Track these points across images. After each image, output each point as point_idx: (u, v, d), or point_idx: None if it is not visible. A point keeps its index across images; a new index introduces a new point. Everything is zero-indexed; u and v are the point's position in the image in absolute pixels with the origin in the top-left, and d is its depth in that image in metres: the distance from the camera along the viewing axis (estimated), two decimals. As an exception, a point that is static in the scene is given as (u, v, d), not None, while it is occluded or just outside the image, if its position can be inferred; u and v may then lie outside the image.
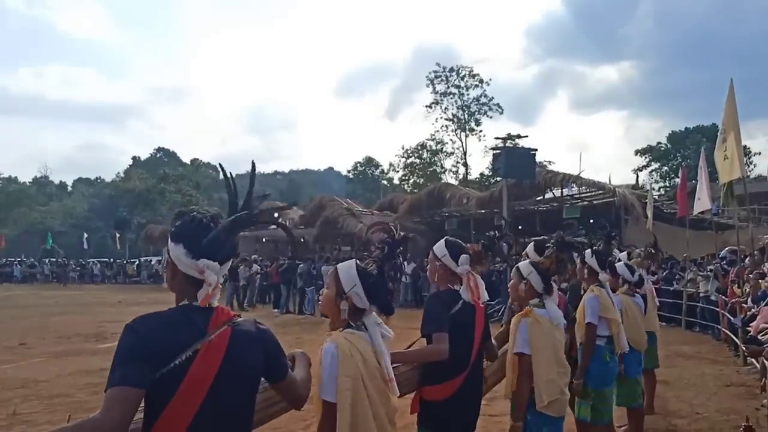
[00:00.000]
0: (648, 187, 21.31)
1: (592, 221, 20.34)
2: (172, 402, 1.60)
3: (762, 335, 7.29)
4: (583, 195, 23.21)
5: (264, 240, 34.06)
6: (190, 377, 1.62)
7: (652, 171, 51.64)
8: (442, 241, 3.29)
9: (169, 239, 1.77)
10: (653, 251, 7.04)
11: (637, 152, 53.68)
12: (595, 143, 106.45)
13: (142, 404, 1.61)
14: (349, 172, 70.55)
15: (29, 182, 75.47)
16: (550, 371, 3.37)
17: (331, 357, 2.24)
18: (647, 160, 52.35)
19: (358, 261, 2.51)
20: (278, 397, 2.08)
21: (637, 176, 44.13)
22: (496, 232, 3.54)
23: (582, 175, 22.46)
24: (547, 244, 3.73)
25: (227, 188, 1.84)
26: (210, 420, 1.65)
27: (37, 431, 5.90)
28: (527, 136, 22.93)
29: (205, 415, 1.64)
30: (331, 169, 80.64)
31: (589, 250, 4.67)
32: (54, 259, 42.58)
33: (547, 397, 3.32)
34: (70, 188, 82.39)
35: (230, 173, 1.85)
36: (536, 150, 21.04)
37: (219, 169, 1.84)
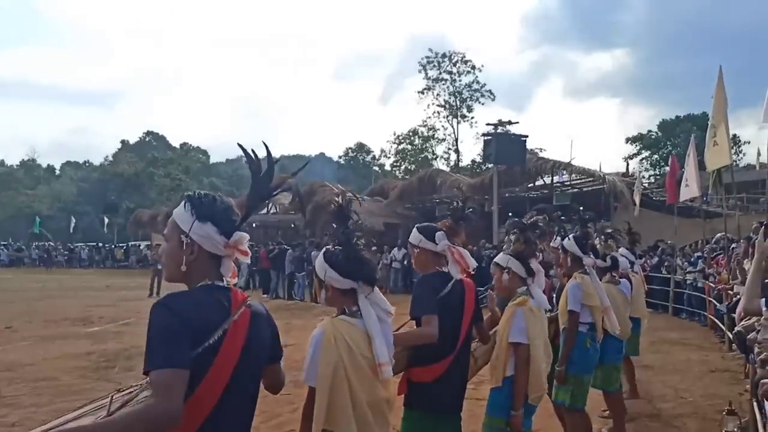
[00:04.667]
0: (637, 175, 21.36)
1: (582, 209, 20.41)
2: (205, 380, 1.63)
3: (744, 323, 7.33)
4: (573, 182, 23.32)
5: (254, 225, 33.95)
6: (221, 355, 1.66)
7: (643, 159, 51.84)
8: (414, 229, 3.31)
9: (191, 219, 1.78)
10: (614, 235, 6.83)
11: (627, 140, 53.84)
12: (587, 131, 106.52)
13: None
14: (340, 158, 70.43)
15: (17, 165, 74.68)
16: (541, 361, 3.41)
17: (315, 343, 2.28)
18: (638, 148, 52.52)
19: (327, 247, 2.49)
20: None
21: (628, 164, 44.30)
22: (460, 202, 3.52)
23: (573, 162, 22.56)
24: (512, 231, 3.74)
25: (250, 165, 1.89)
26: (233, 397, 1.70)
27: (22, 413, 5.87)
28: (518, 123, 22.99)
29: (229, 393, 1.69)
30: (322, 154, 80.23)
31: (569, 237, 4.67)
32: (41, 243, 42.26)
33: (541, 386, 3.39)
34: (58, 172, 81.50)
35: (252, 150, 1.90)
36: (527, 136, 21.13)
37: (238, 147, 1.90)
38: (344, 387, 2.24)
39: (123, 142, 73.18)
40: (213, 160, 77.10)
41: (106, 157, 70.89)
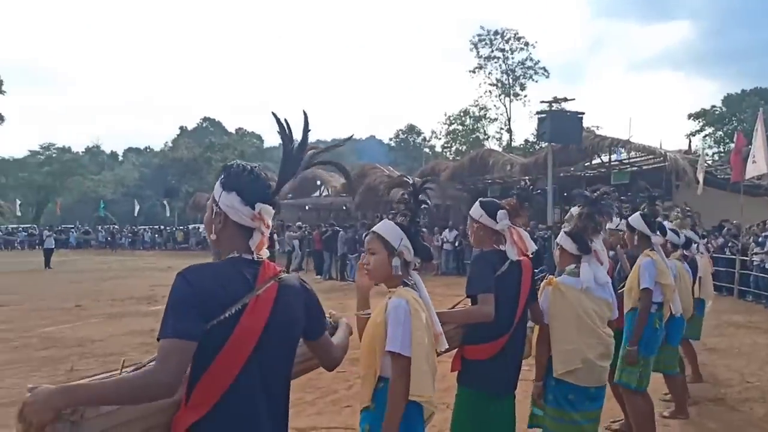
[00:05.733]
0: (700, 152, 20.48)
1: (647, 186, 19.78)
2: (221, 354, 1.62)
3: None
4: (632, 160, 22.56)
5: (307, 208, 34.41)
6: (238, 330, 1.63)
7: (706, 136, 49.66)
8: (477, 203, 3.26)
9: (220, 189, 1.78)
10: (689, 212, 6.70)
11: (690, 116, 51.61)
12: (646, 107, 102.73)
13: None
14: (390, 140, 70.37)
15: (82, 152, 77.75)
16: (568, 341, 3.26)
17: (404, 312, 2.30)
18: (701, 124, 50.34)
19: (388, 218, 2.55)
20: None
21: (690, 141, 42.50)
22: (528, 182, 3.46)
23: (631, 139, 21.79)
24: (576, 204, 3.63)
25: (281, 134, 1.86)
26: (255, 373, 1.68)
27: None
28: (574, 99, 22.30)
29: (250, 368, 1.66)
30: (372, 137, 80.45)
31: (636, 214, 4.53)
32: (107, 226, 44.09)
33: (562, 366, 3.25)
34: (121, 158, 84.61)
35: (285, 119, 1.86)
36: (583, 114, 20.50)
37: (273, 116, 1.86)
38: (430, 354, 2.33)
39: (182, 128, 75.20)
40: (267, 144, 78.36)
41: (166, 142, 72.89)
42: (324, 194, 34.08)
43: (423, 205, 2.56)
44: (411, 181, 2.60)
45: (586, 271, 3.33)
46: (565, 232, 3.49)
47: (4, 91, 56.49)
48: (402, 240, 2.45)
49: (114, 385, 1.50)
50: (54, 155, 64.96)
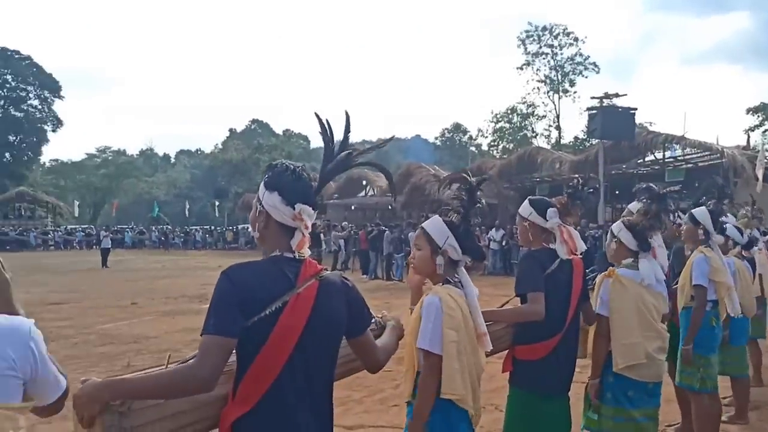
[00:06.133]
0: (760, 148, 19.66)
1: (697, 184, 19.13)
2: (262, 351, 1.65)
3: None
4: (687, 157, 21.85)
5: (353, 207, 34.63)
6: (279, 328, 1.66)
7: (766, 131, 47.61)
8: (526, 201, 3.23)
9: (263, 189, 1.81)
10: (760, 211, 6.48)
11: (748, 111, 49.56)
12: (702, 102, 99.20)
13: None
14: (436, 139, 70.12)
15: (136, 154, 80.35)
16: (630, 334, 3.19)
17: (436, 310, 2.29)
18: (760, 119, 48.26)
19: (441, 216, 2.53)
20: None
21: (749, 137, 40.81)
22: (580, 179, 3.38)
23: (686, 135, 21.10)
24: (640, 199, 3.53)
25: (322, 134, 1.87)
26: (297, 370, 1.70)
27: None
28: (626, 95, 21.69)
29: (292, 366, 1.68)
30: (418, 136, 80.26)
31: (703, 208, 4.39)
32: (160, 227, 45.43)
33: (623, 360, 3.17)
34: (173, 160, 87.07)
35: (326, 120, 1.88)
36: (636, 109, 19.98)
37: (315, 116, 1.89)
38: (464, 353, 2.29)
39: (231, 130, 76.81)
40: (313, 145, 79.27)
41: (216, 145, 74.60)
42: (370, 194, 34.22)
43: (477, 204, 2.53)
44: (470, 179, 2.57)
45: (646, 267, 3.26)
46: (626, 227, 3.39)
47: (63, 96, 58.98)
48: (447, 239, 2.43)
49: (154, 379, 1.57)
50: (110, 158, 67.39)
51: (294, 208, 1.75)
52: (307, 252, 1.81)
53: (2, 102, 56.36)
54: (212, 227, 45.69)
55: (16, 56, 56.64)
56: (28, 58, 57.32)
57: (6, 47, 56.51)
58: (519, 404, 3.06)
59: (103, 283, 17.41)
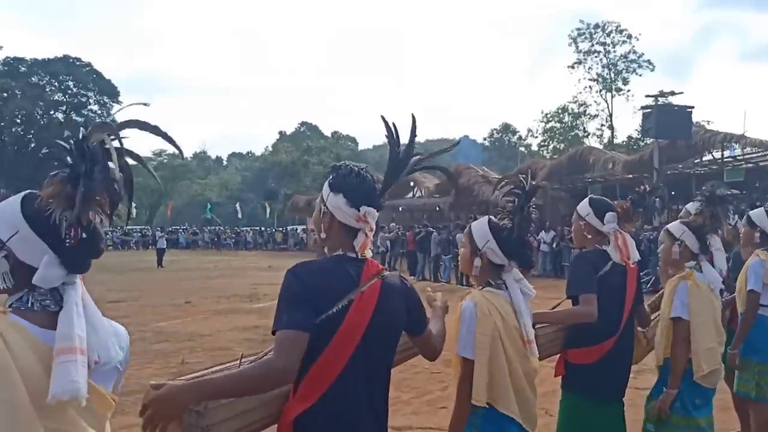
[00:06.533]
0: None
1: (757, 185, 18.38)
2: (328, 348, 1.69)
3: None
4: (747, 156, 20.97)
5: (400, 209, 34.65)
6: (346, 325, 1.70)
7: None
8: (586, 199, 3.15)
9: (328, 190, 1.83)
10: None
11: (814, 107, 47.26)
12: (763, 99, 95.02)
13: None
14: (485, 139, 69.47)
15: (190, 157, 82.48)
16: (710, 339, 3.10)
17: (470, 315, 2.28)
18: (827, 115, 45.98)
19: (491, 217, 2.50)
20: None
21: (814, 135, 38.95)
22: (647, 186, 3.28)
23: (746, 134, 20.27)
24: (697, 199, 3.40)
25: (388, 138, 1.89)
26: (358, 368, 1.73)
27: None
28: (682, 93, 21.02)
29: (356, 362, 1.72)
30: (466, 137, 79.65)
31: (761, 209, 4.21)
32: (212, 228, 46.55)
33: (707, 366, 3.06)
34: (225, 162, 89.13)
35: (392, 123, 1.89)
36: (692, 108, 19.34)
37: (381, 120, 1.90)
38: (502, 357, 2.26)
39: (281, 132, 77.93)
40: (361, 147, 79.73)
41: (267, 147, 75.88)
42: (417, 195, 34.17)
43: (530, 207, 2.48)
44: (526, 184, 2.52)
45: (711, 270, 3.17)
46: (689, 229, 3.28)
47: (121, 102, 61.07)
48: (487, 242, 2.38)
49: (237, 377, 1.62)
50: (165, 161, 69.37)
51: (359, 210, 1.78)
52: (369, 253, 1.84)
53: (64, 107, 58.85)
54: (262, 228, 46.54)
55: (77, 63, 59.09)
56: (89, 64, 59.69)
57: (68, 54, 59.03)
58: (572, 409, 2.99)
59: (159, 282, 17.96)
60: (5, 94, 55.59)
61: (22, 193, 1.38)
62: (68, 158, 1.33)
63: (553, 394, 4.85)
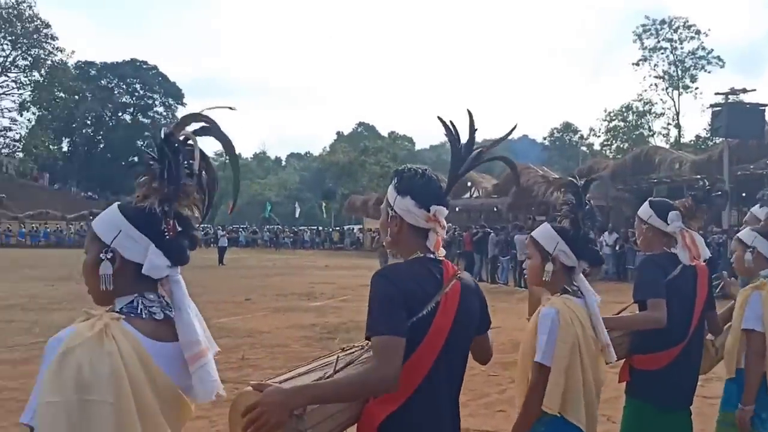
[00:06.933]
0: None
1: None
2: (419, 349, 1.70)
3: None
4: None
5: (457, 209, 34.43)
6: (434, 327, 1.71)
7: None
8: (646, 202, 3.05)
9: (394, 194, 1.85)
10: None
11: None
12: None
13: None
14: (545, 139, 68.31)
15: (251, 158, 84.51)
16: None
17: (551, 322, 2.24)
18: None
19: (548, 222, 2.49)
20: None
21: None
22: (707, 182, 3.14)
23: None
24: (762, 202, 3.22)
25: (448, 136, 1.92)
26: (442, 369, 1.75)
27: (261, 374, 6.64)
28: (754, 90, 19.99)
29: (441, 362, 1.74)
30: (525, 136, 78.45)
31: None
32: (271, 227, 47.51)
33: None
34: (284, 162, 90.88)
35: (450, 121, 1.92)
36: (766, 106, 18.39)
37: (438, 120, 1.94)
38: (578, 367, 2.23)
39: (338, 133, 78.86)
40: (418, 147, 79.68)
41: (324, 147, 76.88)
42: (475, 195, 33.88)
43: (586, 206, 2.43)
44: (577, 182, 2.48)
45: None
46: (761, 235, 3.12)
47: (185, 103, 63.17)
48: (558, 244, 2.35)
49: (344, 384, 1.63)
50: (226, 161, 71.20)
51: (428, 210, 1.79)
52: (442, 252, 1.86)
53: (132, 109, 61.40)
54: (320, 227, 47.17)
55: (144, 66, 61.54)
56: (155, 67, 62.15)
57: (135, 58, 61.58)
58: (636, 416, 2.90)
59: (220, 279, 18.42)
60: (76, 97, 58.48)
61: (116, 203, 1.46)
62: (154, 157, 1.39)
63: (615, 400, 4.71)
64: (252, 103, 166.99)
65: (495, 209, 29.85)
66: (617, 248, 18.93)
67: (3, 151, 56.04)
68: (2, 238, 38.83)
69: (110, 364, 1.25)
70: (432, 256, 1.83)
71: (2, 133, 54.98)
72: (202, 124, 1.46)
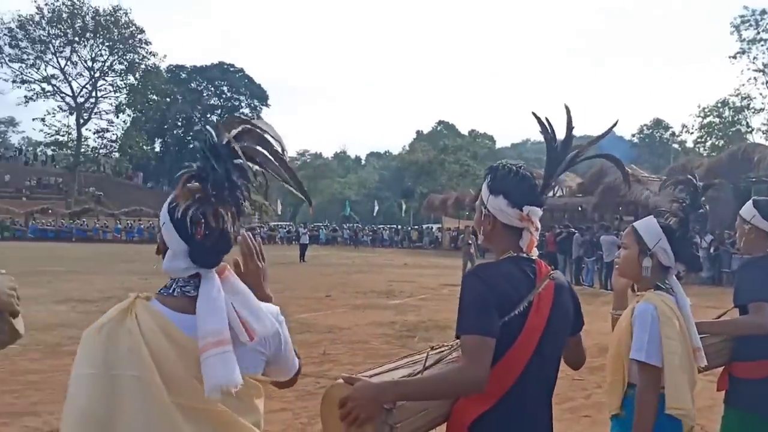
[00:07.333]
0: None
1: None
2: (511, 350, 1.67)
3: None
4: None
5: (539, 209, 33.67)
6: (528, 327, 1.69)
7: None
8: (749, 201, 2.86)
9: (487, 192, 1.82)
10: None
11: None
12: None
13: None
14: (633, 136, 65.58)
15: (331, 157, 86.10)
16: None
17: (651, 318, 2.15)
18: None
19: (655, 218, 2.37)
20: None
21: None
22: None
23: None
24: None
25: (543, 133, 1.87)
26: (535, 369, 1.71)
27: (341, 369, 6.72)
28: None
29: (534, 363, 1.70)
30: (612, 133, 75.53)
31: None
32: (351, 225, 48.19)
33: None
34: (363, 162, 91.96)
35: (545, 118, 1.87)
36: None
37: (532, 116, 1.88)
38: (685, 364, 2.14)
39: (418, 132, 78.88)
40: (499, 145, 78.48)
41: (404, 146, 77.18)
42: (558, 195, 32.96)
43: (700, 210, 2.32)
44: (696, 181, 2.38)
45: None
46: None
47: (270, 105, 65.14)
48: (659, 241, 2.25)
49: (435, 382, 1.64)
50: (308, 160, 72.98)
51: (521, 210, 1.76)
52: (535, 252, 1.82)
53: (219, 111, 63.94)
54: (398, 226, 47.39)
55: (231, 69, 63.93)
56: (241, 70, 64.45)
57: (223, 61, 64.09)
58: (735, 426, 2.73)
59: (301, 276, 18.84)
60: (168, 99, 61.53)
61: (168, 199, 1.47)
62: (199, 159, 1.39)
63: (708, 410, 4.44)
64: (332, 102, 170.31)
65: (579, 209, 28.93)
66: (712, 251, 17.87)
67: (101, 151, 59.75)
68: (100, 233, 41.36)
69: (128, 340, 1.31)
70: (524, 255, 1.79)
71: (100, 134, 58.63)
72: (249, 127, 1.44)
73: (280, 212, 57.60)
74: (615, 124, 2.08)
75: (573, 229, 19.21)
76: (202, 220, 1.34)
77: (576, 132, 1.85)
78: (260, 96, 64.78)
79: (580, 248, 18.06)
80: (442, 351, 1.83)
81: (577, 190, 29.75)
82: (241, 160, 1.37)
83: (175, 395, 1.29)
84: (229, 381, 1.29)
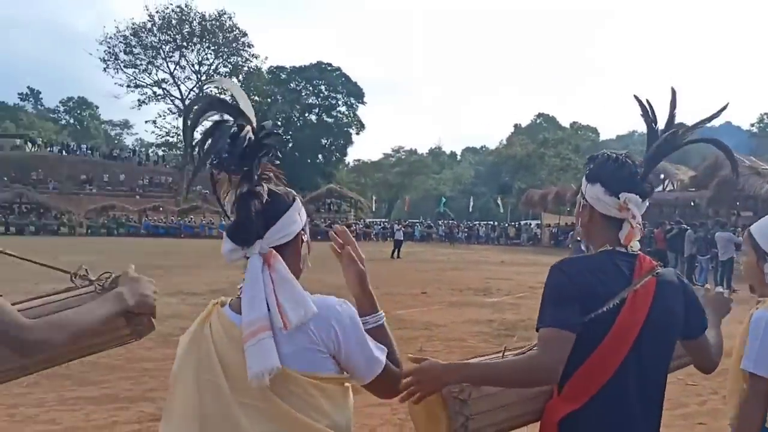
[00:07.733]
0: None
1: None
2: (599, 349, 1.60)
3: None
4: None
5: (647, 203, 31.97)
6: (618, 325, 1.60)
7: None
8: None
9: (585, 182, 1.77)
10: None
11: None
12: None
13: None
14: (752, 125, 60.82)
15: (426, 153, 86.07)
16: None
17: (765, 326, 1.97)
18: None
19: None
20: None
21: None
22: None
23: None
24: None
25: (644, 116, 1.80)
26: (631, 371, 1.62)
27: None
28: None
29: (629, 364, 1.62)
30: (728, 123, 70.31)
31: None
32: (446, 221, 47.90)
33: None
34: (459, 157, 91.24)
35: (647, 100, 1.80)
36: None
37: (634, 99, 1.80)
38: None
39: (516, 125, 77.31)
40: (603, 137, 75.30)
41: (501, 141, 75.89)
42: (668, 189, 31.11)
43: None
44: None
45: None
46: None
47: (366, 102, 66.05)
48: None
49: (504, 366, 1.63)
50: (403, 157, 73.32)
51: (618, 198, 1.67)
52: (637, 245, 1.71)
53: (317, 109, 65.63)
54: (495, 222, 46.58)
55: (329, 68, 65.37)
56: (338, 69, 65.71)
57: (321, 60, 65.67)
58: None
59: (396, 272, 18.90)
60: (269, 100, 63.90)
61: None
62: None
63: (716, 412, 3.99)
64: (428, 99, 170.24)
65: (692, 203, 27.16)
66: None
67: (206, 151, 63.00)
68: (206, 230, 43.62)
69: (205, 346, 1.42)
70: (623, 249, 1.69)
71: (206, 135, 61.92)
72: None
73: (374, 209, 58.35)
74: (725, 107, 1.87)
75: (685, 226, 18.02)
76: (223, 201, 1.45)
77: (685, 120, 1.75)
78: (356, 94, 65.78)
79: (692, 246, 16.93)
80: (523, 347, 1.79)
81: (689, 183, 27.92)
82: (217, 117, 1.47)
83: (239, 395, 1.35)
84: (264, 366, 1.31)
